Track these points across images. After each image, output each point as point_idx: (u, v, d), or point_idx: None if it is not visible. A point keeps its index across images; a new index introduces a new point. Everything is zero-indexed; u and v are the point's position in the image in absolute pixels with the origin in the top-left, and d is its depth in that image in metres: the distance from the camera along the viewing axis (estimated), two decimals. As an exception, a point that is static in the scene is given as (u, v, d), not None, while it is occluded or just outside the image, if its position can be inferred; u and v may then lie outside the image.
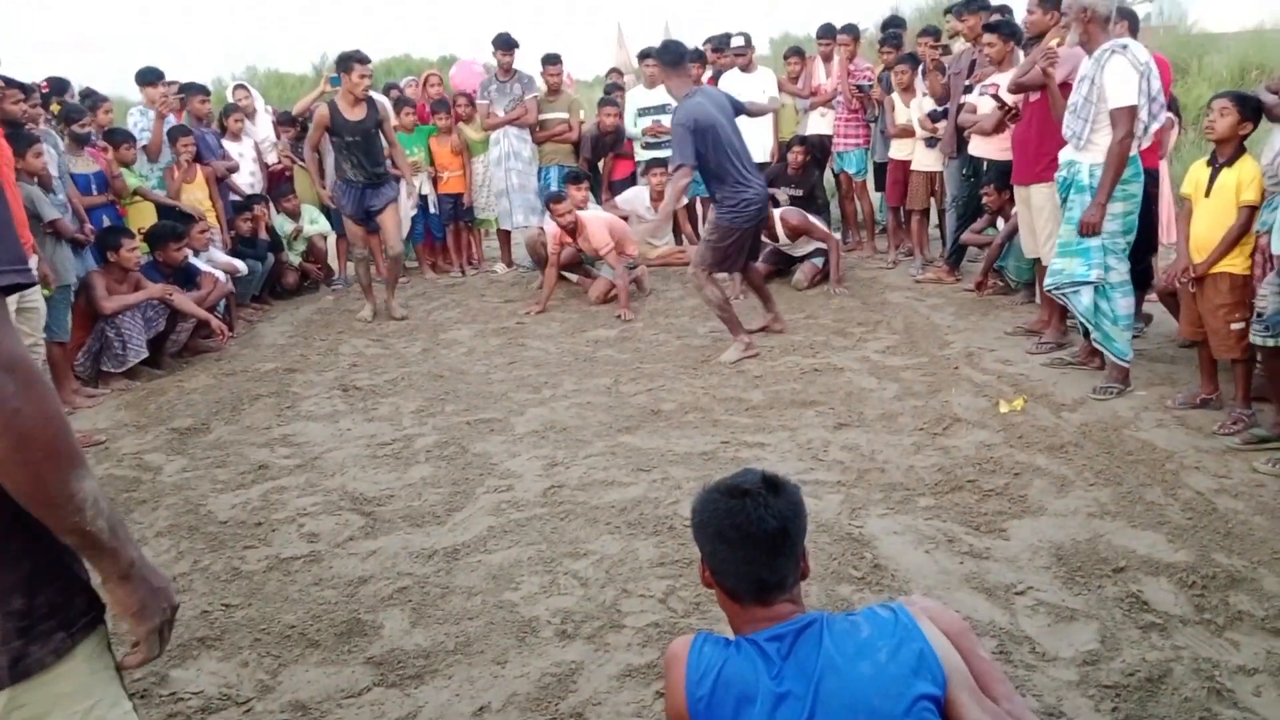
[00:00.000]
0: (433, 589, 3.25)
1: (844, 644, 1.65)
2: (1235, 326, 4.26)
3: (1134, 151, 4.57)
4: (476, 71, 9.45)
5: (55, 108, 6.49)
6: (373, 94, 7.16)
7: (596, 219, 7.41)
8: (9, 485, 1.14)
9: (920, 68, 7.61)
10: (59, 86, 6.64)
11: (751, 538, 1.73)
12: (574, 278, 7.86)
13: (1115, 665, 2.65)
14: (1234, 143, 4.27)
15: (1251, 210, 4.20)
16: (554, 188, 8.56)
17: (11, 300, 4.36)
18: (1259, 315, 3.94)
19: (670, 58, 5.82)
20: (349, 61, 6.82)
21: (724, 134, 5.61)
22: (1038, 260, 5.90)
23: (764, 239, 7.49)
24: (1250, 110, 4.25)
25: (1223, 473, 3.85)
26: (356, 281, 7.38)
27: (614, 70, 11.02)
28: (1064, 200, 4.83)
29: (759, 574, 1.75)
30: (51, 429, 1.14)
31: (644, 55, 9.11)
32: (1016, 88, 5.59)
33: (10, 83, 5.41)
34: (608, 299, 7.38)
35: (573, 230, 7.21)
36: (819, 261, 7.55)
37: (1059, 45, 5.11)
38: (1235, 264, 4.27)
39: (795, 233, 7.48)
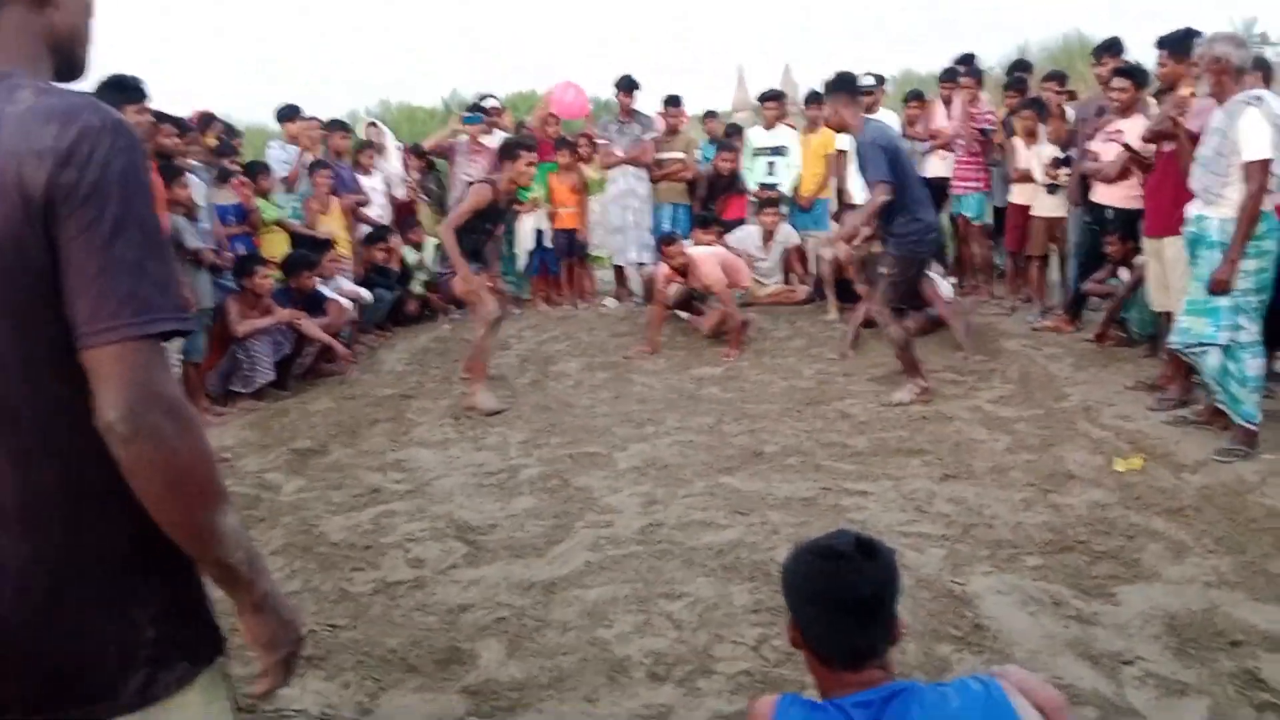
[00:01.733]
0: (529, 621, 3.32)
1: (933, 715, 1.63)
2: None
3: (1268, 206, 4.39)
4: (575, 88, 9.58)
5: (212, 141, 6.91)
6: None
7: (706, 255, 7.47)
8: (161, 519, 1.23)
9: (1043, 113, 7.45)
10: (206, 122, 7.07)
11: (844, 603, 1.72)
12: (684, 315, 7.91)
13: (1227, 746, 2.53)
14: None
15: None
16: (667, 225, 8.70)
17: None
18: None
19: (846, 87, 5.67)
20: (515, 149, 6.03)
21: (906, 161, 5.64)
22: (1162, 312, 5.70)
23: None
24: None
25: (1356, 547, 3.64)
26: (474, 358, 6.12)
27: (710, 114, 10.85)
28: (1191, 256, 4.67)
29: (850, 640, 1.73)
30: (204, 469, 1.23)
31: (765, 97, 9.21)
32: (1151, 136, 5.42)
33: (166, 117, 5.80)
34: (719, 332, 7.36)
35: (684, 271, 7.26)
36: (931, 313, 7.33)
37: (1191, 95, 4.95)
38: None
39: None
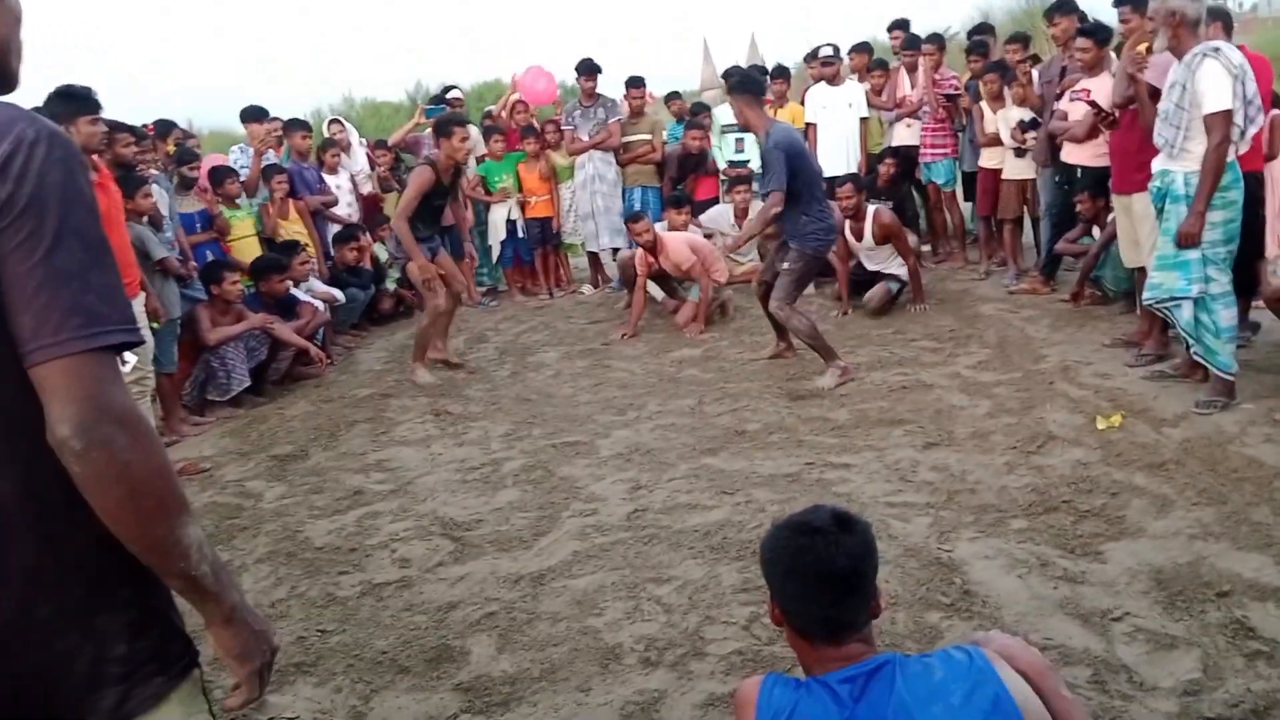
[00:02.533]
0: (519, 615, 3.30)
1: (917, 687, 1.62)
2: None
3: (1231, 157, 4.40)
4: (540, 72, 9.50)
5: (171, 148, 6.82)
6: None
7: (677, 237, 7.44)
8: (120, 533, 1.21)
9: (1008, 76, 7.44)
10: (164, 129, 6.97)
11: (822, 577, 1.72)
12: (659, 296, 7.88)
13: (1219, 696, 2.54)
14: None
15: None
16: (638, 208, 8.65)
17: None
18: None
19: (749, 87, 5.75)
20: (449, 125, 6.34)
21: (810, 162, 5.65)
22: (1136, 268, 5.71)
23: (850, 236, 7.30)
24: None
25: (1337, 491, 3.67)
26: (417, 342, 6.52)
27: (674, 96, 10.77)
28: (1159, 211, 4.67)
29: (829, 613, 1.73)
30: (160, 480, 1.21)
31: (729, 74, 9.16)
32: (1122, 102, 5.38)
33: (122, 126, 5.71)
34: (694, 322, 7.31)
35: (653, 248, 7.24)
36: (893, 286, 7.32)
37: (1149, 50, 4.94)
38: None
39: (884, 233, 7.13)
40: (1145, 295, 4.83)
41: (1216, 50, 4.31)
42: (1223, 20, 5.30)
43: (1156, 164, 4.68)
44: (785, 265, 5.70)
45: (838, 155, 8.41)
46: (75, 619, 1.24)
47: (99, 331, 1.16)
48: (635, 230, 7.23)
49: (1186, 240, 4.45)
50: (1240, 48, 4.49)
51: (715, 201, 8.88)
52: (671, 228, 7.73)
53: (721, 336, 6.97)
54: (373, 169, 8.98)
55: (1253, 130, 4.41)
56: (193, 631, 1.39)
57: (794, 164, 5.41)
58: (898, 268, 7.24)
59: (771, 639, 2.98)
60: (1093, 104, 6.05)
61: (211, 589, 1.30)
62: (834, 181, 7.46)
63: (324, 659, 3.16)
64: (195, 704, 1.37)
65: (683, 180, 8.87)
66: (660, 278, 7.65)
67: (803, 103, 8.77)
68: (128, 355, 4.67)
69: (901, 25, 8.98)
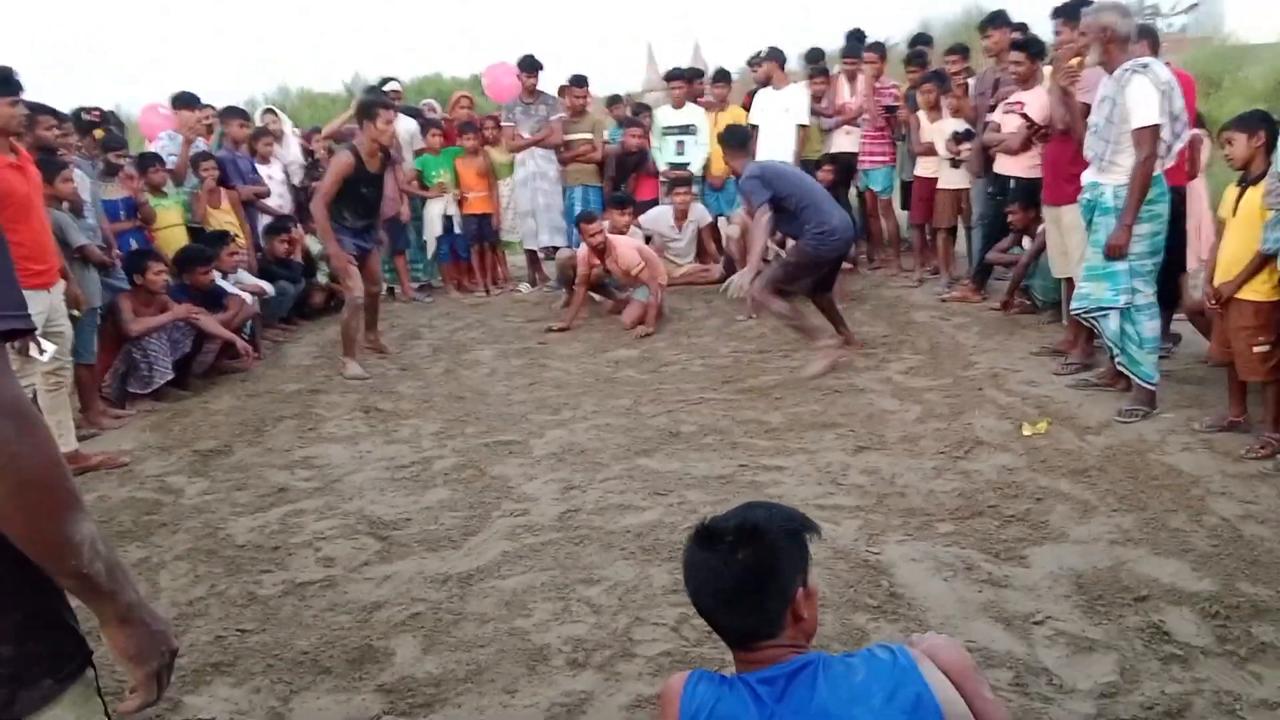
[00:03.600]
0: (445, 615, 3.25)
1: (838, 688, 1.62)
2: (1259, 349, 4.19)
3: (1158, 171, 4.51)
4: (509, 69, 9.39)
5: (99, 134, 6.60)
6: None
7: (625, 241, 7.43)
8: (7, 529, 1.15)
9: (944, 86, 7.55)
10: (112, 118, 6.75)
11: (716, 592, 1.70)
12: (597, 298, 7.86)
13: (1134, 698, 2.59)
14: (1259, 160, 4.22)
15: None
16: (579, 207, 8.62)
17: (39, 323, 4.38)
18: None
19: (736, 140, 6.24)
20: (373, 108, 6.14)
21: (795, 179, 6.06)
22: (1064, 279, 5.84)
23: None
24: (1256, 122, 4.22)
25: (1250, 498, 3.77)
26: (343, 336, 6.42)
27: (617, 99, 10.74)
28: (1089, 223, 4.77)
29: (728, 624, 1.73)
30: (50, 473, 1.15)
31: (671, 76, 9.17)
32: (1063, 126, 5.46)
33: (43, 109, 5.51)
34: (639, 323, 7.27)
35: (602, 250, 7.21)
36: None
37: (1080, 64, 5.05)
38: (1260, 290, 4.19)
39: None
40: (1073, 305, 4.93)
41: (1145, 66, 4.42)
42: (1150, 39, 5.44)
43: (1086, 177, 4.78)
44: (783, 256, 5.96)
45: (773, 159, 8.45)
46: None
47: None
48: (588, 231, 7.18)
49: (1114, 252, 4.55)
50: (1166, 64, 4.61)
51: (655, 203, 8.88)
52: (614, 228, 7.71)
53: (659, 337, 6.97)
54: (307, 159, 8.81)
55: (1178, 146, 4.53)
56: (89, 631, 1.33)
57: (773, 185, 5.78)
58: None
59: (700, 640, 2.97)
60: (1026, 117, 6.17)
61: (105, 588, 1.24)
62: None
63: (242, 659, 3.07)
64: (88, 706, 1.32)
65: (623, 180, 8.85)
66: (596, 283, 7.63)
67: (746, 106, 8.80)
68: (45, 344, 4.51)
69: (859, 36, 8.99)
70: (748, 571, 1.68)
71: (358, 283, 6.31)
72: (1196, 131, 5.64)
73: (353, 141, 6.25)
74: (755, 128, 8.61)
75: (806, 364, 5.76)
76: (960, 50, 7.81)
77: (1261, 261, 4.15)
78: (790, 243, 6.36)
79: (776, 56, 8.72)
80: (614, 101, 9.78)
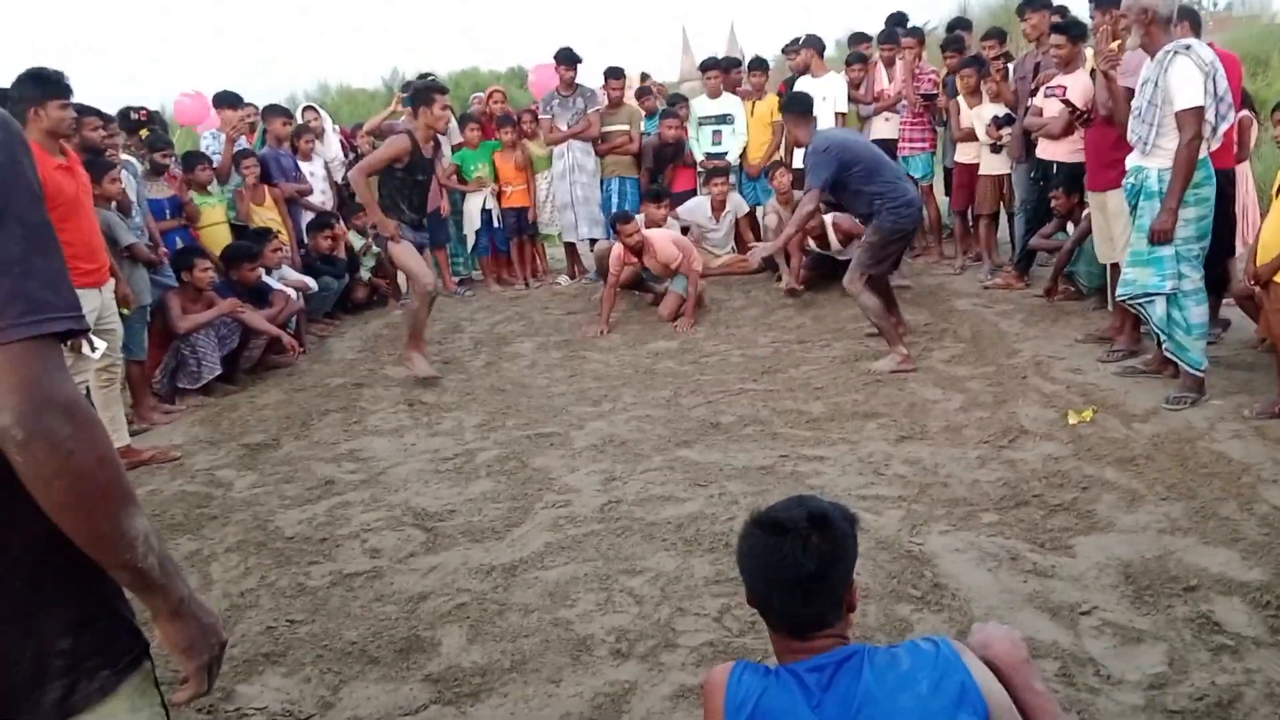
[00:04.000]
0: (490, 606, 3.29)
1: (884, 676, 1.63)
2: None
3: (1203, 154, 4.43)
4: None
5: (144, 133, 6.72)
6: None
7: (661, 235, 7.42)
8: (64, 524, 1.18)
9: (983, 71, 7.46)
10: (158, 118, 6.87)
11: (786, 580, 1.71)
12: (636, 291, 7.86)
13: (1183, 689, 2.56)
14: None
15: None
16: (616, 199, 8.64)
17: (90, 321, 4.46)
18: None
19: (801, 107, 5.96)
20: (429, 93, 5.96)
21: (864, 148, 5.85)
22: (1109, 264, 5.76)
23: (813, 245, 7.46)
24: None
25: (1302, 486, 3.71)
26: (410, 329, 6.12)
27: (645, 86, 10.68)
28: (1133, 208, 4.70)
29: (794, 612, 1.73)
30: (105, 470, 1.18)
31: (706, 66, 9.14)
32: (1107, 113, 5.37)
33: (90, 110, 5.62)
34: (679, 315, 7.28)
35: (639, 250, 7.20)
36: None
37: (1120, 47, 4.96)
38: None
39: (847, 237, 7.43)
40: (1119, 291, 4.86)
41: (1188, 48, 4.34)
42: (1191, 19, 5.35)
43: (1130, 161, 4.71)
44: (864, 239, 5.83)
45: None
46: (16, 614, 1.22)
47: (42, 319, 1.13)
48: (624, 232, 7.11)
49: (1160, 236, 4.48)
50: (1210, 45, 4.52)
51: (693, 193, 8.87)
52: (650, 221, 7.71)
53: (697, 328, 6.97)
54: (348, 155, 8.90)
55: (1224, 127, 4.44)
56: (144, 624, 1.36)
57: (842, 157, 5.56)
58: None
59: (743, 630, 2.99)
60: (1067, 102, 6.08)
61: (158, 582, 1.27)
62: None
63: (293, 649, 3.14)
64: (146, 697, 1.35)
65: (660, 171, 8.84)
66: (631, 278, 7.63)
67: (780, 94, 8.75)
68: (97, 342, 4.61)
69: (899, 20, 8.95)
70: (824, 558, 1.72)
71: (425, 269, 6.09)
72: (1244, 113, 5.53)
73: (410, 125, 6.02)
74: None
75: (878, 360, 5.67)
76: (997, 34, 7.71)
77: None
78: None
79: (814, 44, 8.67)
80: (644, 94, 9.71)
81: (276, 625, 3.29)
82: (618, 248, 7.27)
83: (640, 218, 7.59)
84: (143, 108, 6.99)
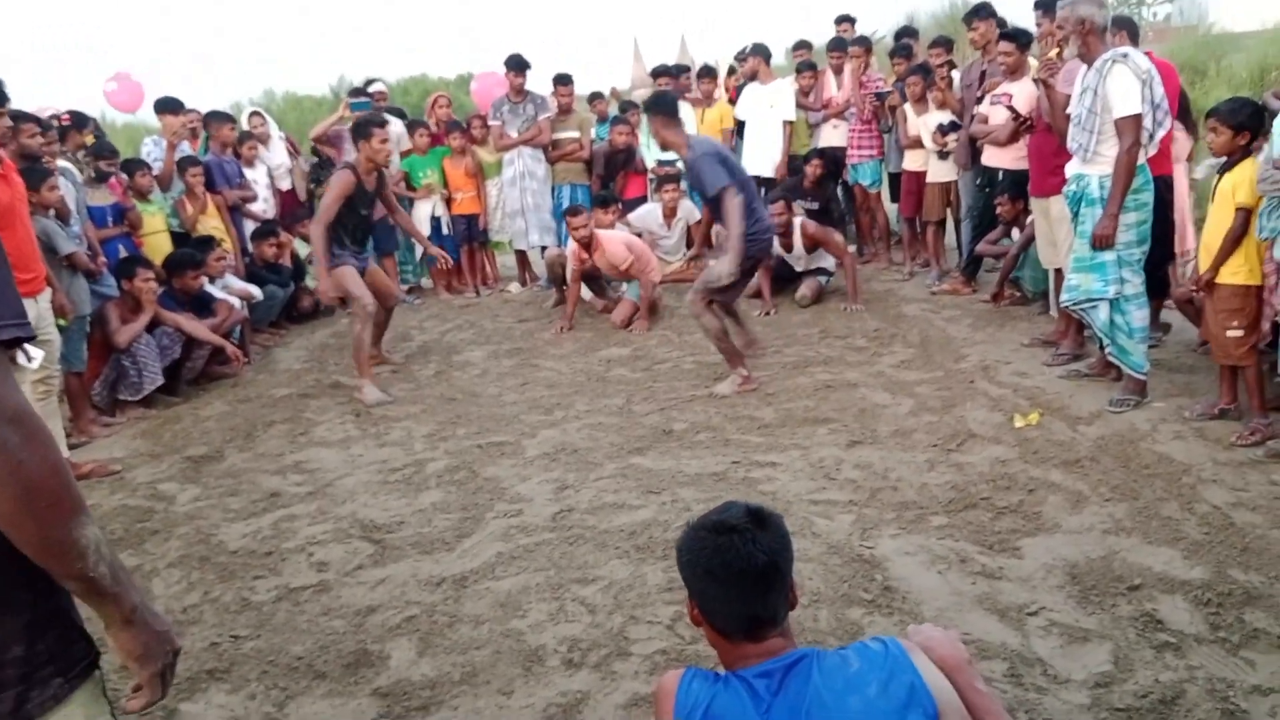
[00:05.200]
0: (440, 618, 3.24)
1: (833, 679, 1.63)
2: (1232, 334, 4.25)
3: (1142, 160, 4.52)
4: (501, 80, 9.40)
5: (89, 140, 6.56)
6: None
7: (613, 236, 7.42)
8: (14, 535, 1.17)
9: (930, 79, 7.56)
10: (79, 121, 6.71)
11: (741, 575, 1.71)
12: (588, 296, 7.85)
13: (1128, 687, 2.60)
14: (1238, 152, 4.28)
15: (1246, 213, 4.19)
16: (567, 205, 8.60)
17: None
18: None
19: (663, 108, 5.55)
20: (367, 127, 5.95)
21: (738, 167, 5.56)
22: (1053, 270, 5.85)
23: (779, 249, 7.49)
24: (1241, 122, 4.26)
25: (1240, 485, 3.79)
26: (355, 355, 5.95)
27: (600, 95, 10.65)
28: (1074, 215, 4.78)
29: (750, 610, 1.73)
30: (55, 479, 1.18)
31: (656, 74, 9.17)
32: (1054, 124, 5.43)
33: (27, 117, 5.49)
34: (631, 322, 7.28)
35: (588, 245, 7.20)
36: (823, 280, 7.55)
37: (1059, 55, 5.05)
38: (1238, 274, 4.26)
39: (812, 243, 7.44)
40: (1063, 297, 4.93)
41: (1125, 56, 4.43)
42: (1127, 28, 5.47)
43: (1070, 168, 4.79)
44: (713, 261, 5.66)
45: (760, 156, 8.49)
46: None
47: None
48: (573, 224, 7.14)
49: (1101, 242, 4.56)
50: (1147, 54, 4.62)
51: (644, 200, 8.88)
52: (599, 226, 7.70)
53: (650, 336, 6.96)
54: (312, 159, 8.79)
55: (1161, 133, 4.53)
56: (95, 633, 1.34)
57: (726, 165, 5.31)
58: (824, 261, 7.53)
59: (695, 638, 2.97)
60: (1012, 109, 6.18)
61: (110, 590, 1.27)
62: (761, 183, 7.76)
63: (238, 665, 3.07)
64: (97, 705, 1.34)
65: (611, 178, 8.84)
66: (589, 277, 7.63)
67: (732, 101, 8.80)
68: (33, 352, 4.48)
69: (847, 20, 9.08)
70: (772, 553, 1.74)
71: (364, 290, 5.98)
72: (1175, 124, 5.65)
73: (351, 160, 5.99)
74: (742, 124, 8.63)
75: (716, 384, 5.55)
76: (944, 43, 7.81)
77: (1232, 244, 4.24)
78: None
79: (761, 52, 8.72)
80: (595, 98, 9.76)
81: (221, 641, 3.22)
82: (572, 244, 7.26)
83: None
84: (65, 113, 6.81)
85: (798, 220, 7.47)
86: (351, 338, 6.05)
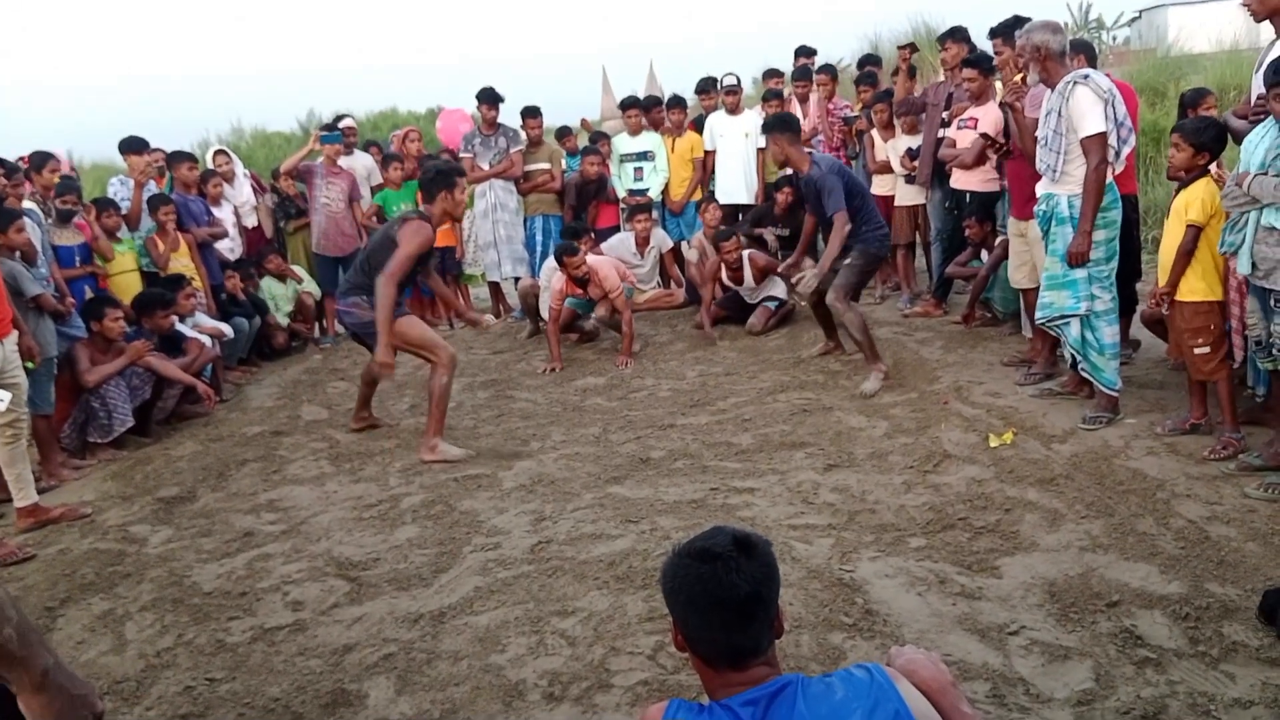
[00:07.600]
0: (418, 655, 3.20)
1: (817, 707, 1.61)
2: (1199, 350, 4.32)
3: (1109, 178, 4.59)
4: (465, 116, 9.48)
5: (54, 179, 6.49)
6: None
7: (602, 262, 7.40)
8: None
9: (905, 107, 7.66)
10: (39, 161, 6.65)
11: (724, 604, 1.69)
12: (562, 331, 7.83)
13: (1111, 704, 2.60)
14: (1196, 170, 4.38)
15: (1196, 230, 4.32)
16: (539, 237, 8.64)
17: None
18: (1258, 342, 3.97)
19: (789, 125, 6.10)
20: (451, 176, 5.42)
21: (858, 180, 6.20)
22: (1023, 290, 5.91)
23: (728, 282, 7.58)
24: (1203, 142, 4.35)
25: (1214, 499, 3.82)
26: (434, 408, 5.35)
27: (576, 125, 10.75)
28: (1045, 233, 4.84)
29: (732, 640, 1.70)
30: None
31: (626, 105, 9.21)
32: (1020, 149, 5.52)
33: (-10, 160, 5.44)
34: (604, 323, 7.45)
35: (583, 282, 7.17)
36: (771, 305, 7.61)
37: (1023, 81, 5.14)
38: (1196, 290, 4.37)
39: (762, 274, 7.58)
40: (1038, 314, 4.96)
41: (1086, 77, 4.52)
42: (1085, 51, 5.58)
43: (1040, 188, 4.85)
44: (847, 262, 5.96)
45: (736, 184, 8.55)
46: None
47: None
48: (571, 264, 7.03)
49: (1076, 259, 4.61)
50: (1106, 74, 4.71)
51: (616, 229, 8.90)
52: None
53: (625, 365, 6.96)
54: (275, 197, 8.75)
55: (1126, 150, 4.61)
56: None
57: (848, 185, 5.84)
58: (775, 289, 7.64)
59: (678, 667, 2.95)
60: (985, 135, 6.25)
61: (17, 654, 1.19)
62: (736, 210, 7.90)
63: (213, 709, 3.01)
64: None
65: (584, 209, 8.86)
66: (567, 318, 7.61)
67: (699, 131, 8.86)
68: (1, 395, 4.41)
69: (807, 53, 9.23)
70: (756, 582, 1.71)
71: (438, 339, 5.55)
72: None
73: (428, 211, 5.39)
74: (711, 153, 8.69)
75: (863, 381, 5.78)
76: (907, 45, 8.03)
77: (1184, 258, 4.36)
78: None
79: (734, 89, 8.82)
80: (564, 134, 9.80)
81: (195, 684, 3.16)
82: (558, 281, 7.23)
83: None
84: (24, 155, 6.74)
85: (746, 254, 7.59)
86: (432, 390, 5.34)
